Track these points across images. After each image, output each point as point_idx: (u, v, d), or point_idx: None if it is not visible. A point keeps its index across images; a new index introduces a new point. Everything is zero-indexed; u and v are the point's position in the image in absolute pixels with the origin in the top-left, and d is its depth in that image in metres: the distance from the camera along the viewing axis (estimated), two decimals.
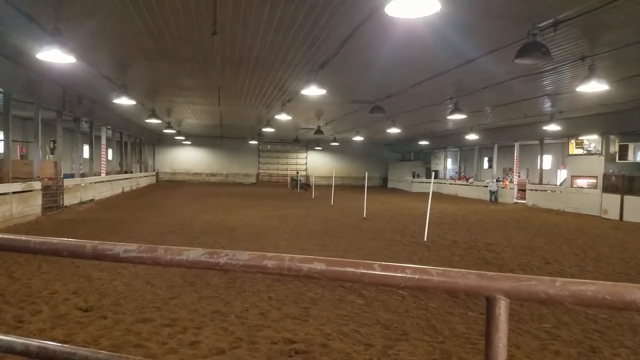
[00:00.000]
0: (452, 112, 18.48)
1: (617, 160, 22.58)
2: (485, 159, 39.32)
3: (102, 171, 26.23)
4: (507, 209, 25.02)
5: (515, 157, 30.48)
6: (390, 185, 49.00)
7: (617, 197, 20.94)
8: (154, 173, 45.16)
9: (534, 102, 18.91)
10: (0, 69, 13.82)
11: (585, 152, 25.27)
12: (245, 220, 16.51)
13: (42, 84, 16.71)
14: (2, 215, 13.37)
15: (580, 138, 25.34)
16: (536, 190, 27.91)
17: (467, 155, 40.09)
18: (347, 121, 27.65)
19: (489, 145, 33.24)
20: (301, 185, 37.74)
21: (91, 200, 22.08)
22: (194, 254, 1.49)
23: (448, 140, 37.34)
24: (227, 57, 12.88)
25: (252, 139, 43.14)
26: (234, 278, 7.76)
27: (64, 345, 1.75)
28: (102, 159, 26.55)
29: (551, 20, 8.90)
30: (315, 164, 49.91)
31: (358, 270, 1.37)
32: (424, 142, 38.41)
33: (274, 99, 20.15)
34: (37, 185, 15.85)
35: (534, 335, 5.66)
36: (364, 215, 18.38)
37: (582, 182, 24.36)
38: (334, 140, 42.01)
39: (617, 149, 22.83)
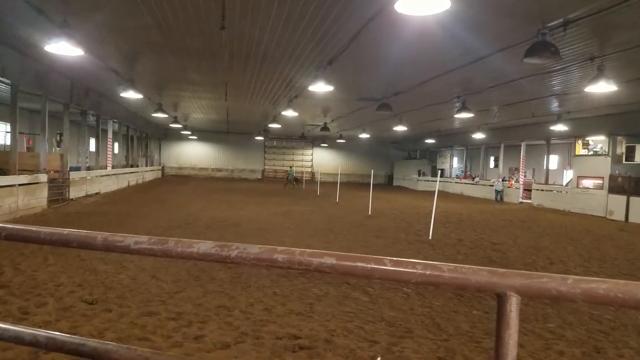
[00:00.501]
0: (459, 111, 18.41)
1: (623, 162, 22.46)
2: (492, 158, 39.19)
3: (108, 164, 26.33)
4: (513, 209, 24.95)
5: (521, 157, 30.36)
6: (395, 183, 48.95)
7: (623, 198, 20.83)
8: (160, 167, 45.29)
9: (542, 101, 18.82)
10: (9, 61, 13.88)
11: (590, 152, 25.14)
12: (250, 216, 16.53)
13: (50, 77, 16.77)
14: (8, 207, 13.44)
15: (586, 139, 25.21)
16: (542, 190, 27.80)
17: (473, 154, 39.97)
18: (354, 118, 27.60)
19: (496, 145, 33.10)
20: (292, 180, 37.97)
21: (97, 193, 22.17)
22: (205, 246, 1.49)
23: (454, 138, 37.23)
24: (234, 52, 12.87)
25: (259, 134, 43.16)
26: (239, 273, 7.78)
27: (73, 336, 1.76)
28: (108, 152, 26.64)
29: (561, 20, 8.85)
30: (321, 160, 49.91)
31: (369, 265, 1.37)
32: (430, 141, 38.31)
33: (281, 95, 20.14)
34: (43, 177, 15.92)
35: (539, 334, 5.65)
36: (369, 213, 18.37)
37: (588, 183, 24.25)
38: (340, 137, 41.96)
39: (624, 150, 22.70)
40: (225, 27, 10.04)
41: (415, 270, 1.34)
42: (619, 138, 22.86)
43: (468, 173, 39.81)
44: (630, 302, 1.17)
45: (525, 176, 31.36)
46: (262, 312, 6.02)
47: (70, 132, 20.57)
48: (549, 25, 8.87)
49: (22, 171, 15.44)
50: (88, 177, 21.41)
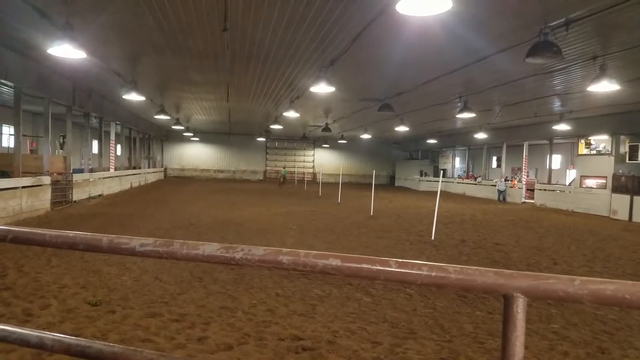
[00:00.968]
0: (461, 111, 18.39)
1: (627, 161, 22.41)
2: (494, 158, 39.14)
3: (110, 166, 26.36)
4: (516, 209, 24.90)
5: (524, 157, 30.30)
6: (397, 183, 48.93)
7: (627, 197, 20.77)
8: (162, 169, 45.36)
9: (544, 101, 18.79)
10: (11, 63, 13.92)
11: (593, 152, 25.09)
12: (252, 216, 16.54)
13: (53, 79, 16.81)
14: (12, 210, 13.47)
15: (589, 138, 25.16)
16: (545, 190, 27.75)
17: (475, 154, 39.94)
18: (356, 119, 27.60)
19: (498, 145, 33.06)
20: (282, 181, 39.04)
21: (100, 195, 22.21)
22: (210, 248, 1.49)
23: (456, 139, 37.20)
24: (237, 53, 12.89)
25: (260, 135, 43.19)
26: (242, 274, 7.78)
27: (79, 338, 1.76)
28: (111, 154, 26.67)
29: (563, 20, 8.83)
30: (323, 161, 49.94)
31: (374, 267, 1.37)
32: (432, 141, 38.29)
33: (283, 96, 20.15)
34: (46, 179, 15.96)
35: (543, 335, 5.64)
36: (371, 214, 18.36)
37: (591, 183, 24.19)
38: (342, 138, 41.96)
39: (627, 149, 22.65)
40: (228, 28, 10.06)
41: (421, 272, 1.33)
42: (622, 137, 22.81)
43: (470, 173, 39.76)
44: (638, 303, 1.17)
45: (527, 176, 31.31)
46: (264, 313, 6.02)
47: (73, 134, 20.62)
48: (551, 24, 8.86)
49: (26, 173, 15.47)
50: (91, 179, 21.45)
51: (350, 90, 18.39)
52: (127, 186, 28.30)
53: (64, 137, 23.40)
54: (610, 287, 1.19)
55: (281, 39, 11.15)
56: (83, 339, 1.74)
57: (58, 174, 17.76)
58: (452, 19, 8.71)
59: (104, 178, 23.59)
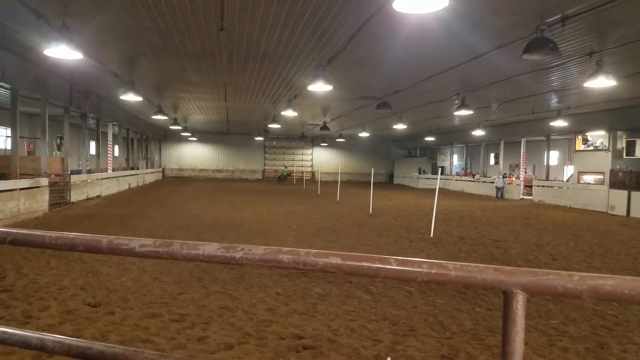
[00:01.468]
0: (458, 108, 18.41)
1: (624, 156, 22.44)
2: (492, 155, 39.19)
3: (108, 167, 26.33)
4: (514, 205, 24.94)
5: (521, 153, 30.34)
6: (396, 181, 48.98)
7: (624, 193, 20.82)
8: (160, 169, 45.31)
9: (541, 97, 18.82)
10: (8, 65, 13.89)
11: (591, 148, 25.14)
12: (251, 216, 16.54)
13: (50, 80, 16.78)
14: (10, 211, 13.45)
15: (586, 134, 25.20)
16: (543, 186, 27.81)
17: (473, 151, 39.98)
18: (354, 117, 27.61)
19: (496, 141, 33.10)
20: (283, 178, 39.21)
21: (98, 196, 22.19)
22: (210, 248, 1.49)
23: (454, 136, 37.23)
24: (234, 53, 12.88)
25: (258, 135, 43.19)
26: (242, 273, 7.78)
27: (80, 339, 1.76)
28: (108, 155, 26.65)
29: (559, 16, 8.84)
30: (321, 160, 49.97)
31: (374, 265, 1.37)
32: (430, 138, 38.31)
33: (281, 95, 20.15)
34: (44, 181, 15.93)
35: (542, 331, 5.65)
36: (370, 212, 18.37)
37: (589, 178, 24.24)
38: (340, 136, 41.96)
39: (624, 144, 22.68)
40: (225, 27, 10.05)
41: (421, 270, 1.34)
42: (619, 133, 22.84)
43: (468, 170, 39.80)
44: (638, 299, 1.17)
45: (525, 172, 31.35)
46: (265, 312, 6.02)
47: (70, 135, 20.57)
48: (547, 21, 8.88)
49: (23, 175, 15.44)
50: (89, 180, 21.42)
51: (348, 89, 18.39)
52: (125, 187, 28.28)
53: (61, 138, 23.38)
54: (609, 282, 1.19)
55: (278, 37, 11.14)
56: (83, 340, 1.74)
57: (56, 176, 17.74)
58: (449, 16, 8.72)
59: (102, 179, 23.56)
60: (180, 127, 34.90)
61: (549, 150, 28.35)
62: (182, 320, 5.62)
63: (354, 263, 1.39)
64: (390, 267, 1.37)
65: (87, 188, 21.03)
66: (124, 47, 12.88)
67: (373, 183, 21.07)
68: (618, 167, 22.10)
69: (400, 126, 27.52)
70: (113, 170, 26.98)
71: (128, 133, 30.82)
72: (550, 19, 8.91)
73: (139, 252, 1.54)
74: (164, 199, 22.75)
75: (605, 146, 23.62)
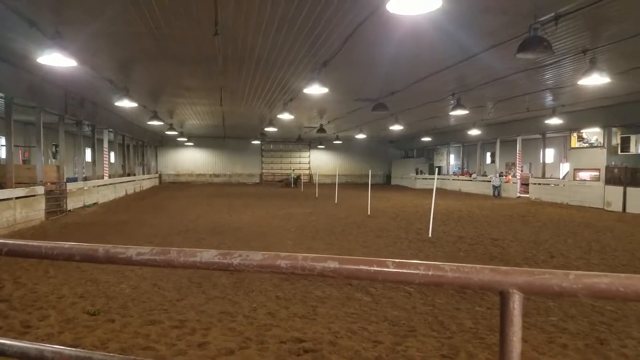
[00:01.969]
0: (454, 108, 18.44)
1: (619, 153, 22.55)
2: (488, 154, 39.28)
3: (105, 174, 26.28)
4: (511, 204, 24.99)
5: (517, 152, 30.43)
6: (393, 182, 49.03)
7: (620, 189, 20.91)
8: (157, 175, 45.22)
9: (536, 96, 18.88)
10: (2, 73, 13.86)
11: (586, 145, 25.23)
12: (250, 220, 16.53)
13: (44, 88, 16.75)
14: (6, 221, 13.40)
15: (582, 131, 25.29)
16: (539, 184, 27.88)
17: (469, 150, 40.07)
18: (350, 119, 27.65)
19: (492, 140, 33.20)
20: (290, 182, 39.28)
21: (95, 203, 22.13)
22: (207, 255, 1.50)
23: (451, 136, 37.31)
24: (229, 57, 12.89)
25: (255, 138, 43.21)
26: (242, 278, 7.78)
27: (79, 349, 1.76)
28: (104, 162, 26.58)
29: (552, 14, 8.88)
30: (319, 162, 49.99)
31: (372, 268, 1.37)
32: (426, 139, 38.38)
33: (277, 99, 20.16)
34: (40, 189, 15.89)
35: (541, 328, 5.66)
36: (369, 213, 18.38)
37: (584, 175, 24.34)
38: (337, 138, 42.01)
39: (619, 141, 22.79)
40: (219, 32, 10.05)
41: (418, 272, 1.35)
42: (614, 129, 22.95)
43: (465, 170, 39.88)
44: (633, 296, 1.18)
45: (522, 171, 31.43)
46: (265, 316, 6.02)
47: (65, 143, 20.55)
48: (540, 20, 8.91)
49: (19, 184, 15.39)
50: (85, 188, 21.37)
51: (344, 91, 18.42)
52: (122, 193, 28.22)
53: (56, 146, 23.35)
54: (604, 280, 1.20)
55: (273, 41, 11.15)
56: (83, 350, 1.74)
57: (52, 184, 17.70)
58: (442, 17, 8.74)
59: (98, 186, 23.50)
60: (176, 133, 34.88)
61: (544, 148, 28.44)
62: (182, 326, 5.61)
63: (352, 267, 1.40)
64: (387, 270, 1.37)
65: (83, 195, 20.98)
66: (118, 53, 12.87)
67: (371, 184, 21.09)
68: (613, 163, 22.19)
69: (396, 127, 27.56)
70: (109, 177, 26.92)
71: (124, 139, 30.77)
72: (544, 18, 8.95)
73: (136, 261, 1.54)
74: (162, 205, 22.72)
75: (600, 143, 23.71)
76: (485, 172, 35.72)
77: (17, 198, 14.16)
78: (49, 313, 6.03)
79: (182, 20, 9.66)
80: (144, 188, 35.79)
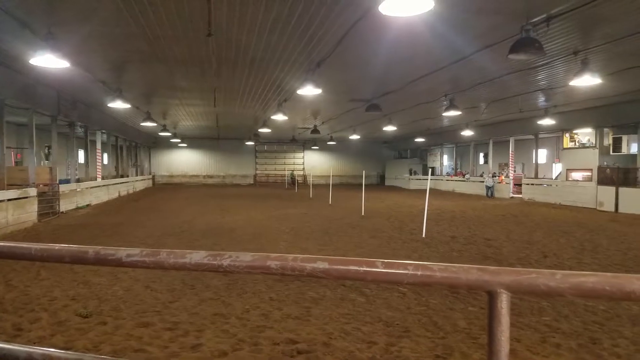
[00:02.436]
0: (447, 109, 18.51)
1: (611, 153, 22.69)
2: (481, 155, 39.42)
3: (98, 176, 26.16)
4: (504, 204, 25.09)
5: (510, 152, 30.57)
6: (387, 183, 49.09)
7: (612, 189, 21.03)
8: (151, 176, 45.06)
9: (528, 97, 18.98)
10: None
11: (578, 145, 25.38)
12: (244, 221, 16.50)
13: (36, 89, 16.65)
14: None
15: (574, 131, 25.43)
16: (532, 184, 28.01)
17: (463, 151, 40.19)
18: (344, 120, 27.67)
19: (485, 141, 33.32)
20: (293, 182, 39.19)
21: (88, 205, 22.03)
22: (197, 256, 1.50)
23: (444, 136, 37.41)
24: (222, 58, 12.87)
25: (249, 139, 43.14)
26: (235, 279, 7.76)
27: (69, 352, 1.75)
28: (97, 163, 26.48)
29: (544, 15, 8.94)
30: (313, 163, 49.98)
31: (361, 269, 1.38)
32: (420, 139, 38.48)
33: (271, 99, 20.15)
34: (32, 191, 15.79)
35: (535, 328, 5.69)
36: (363, 214, 18.39)
37: (577, 175, 24.47)
38: (331, 139, 42.01)
39: (611, 141, 22.93)
40: (212, 33, 10.03)
41: (407, 271, 1.35)
42: (606, 130, 23.10)
43: (458, 170, 40.00)
44: (619, 295, 1.19)
45: (515, 171, 31.57)
46: (258, 318, 6.01)
47: (58, 144, 20.43)
48: (532, 21, 8.97)
49: (11, 186, 15.30)
50: (78, 189, 21.27)
51: (337, 92, 18.44)
52: (115, 195, 28.11)
53: (49, 147, 23.23)
54: (591, 279, 1.21)
55: (266, 42, 11.15)
56: (72, 352, 1.74)
57: (44, 185, 17.60)
58: (435, 18, 8.78)
59: (91, 188, 23.40)
60: (169, 134, 34.77)
61: (537, 148, 28.58)
62: (175, 328, 5.59)
63: (342, 267, 1.40)
64: (377, 270, 1.38)
65: (76, 197, 20.88)
66: (111, 54, 12.82)
67: (365, 185, 21.12)
68: (605, 163, 22.32)
69: (390, 128, 27.63)
70: (102, 178, 26.81)
71: (117, 140, 30.65)
72: (535, 19, 9.01)
73: (126, 262, 1.54)
74: (155, 206, 22.64)
75: (593, 143, 23.85)
76: (470, 171, 35.87)
77: (9, 200, 14.06)
78: (41, 315, 5.99)
79: (175, 21, 9.64)
80: (138, 189, 35.66)
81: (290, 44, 11.33)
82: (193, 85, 17.34)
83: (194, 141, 45.81)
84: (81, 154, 28.15)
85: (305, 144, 48.77)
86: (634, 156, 21.67)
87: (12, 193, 14.46)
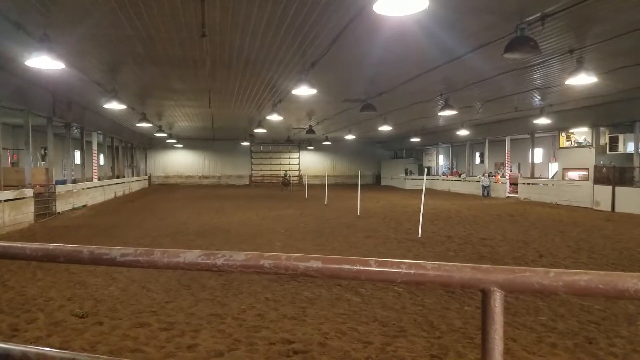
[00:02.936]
0: (443, 109, 18.53)
1: (607, 152, 22.75)
2: (477, 154, 39.47)
3: (94, 176, 26.09)
4: (500, 204, 25.15)
5: (506, 152, 30.62)
6: (383, 182, 49.12)
7: (609, 188, 21.10)
8: (146, 177, 44.97)
9: (524, 96, 19.01)
10: None
11: (575, 144, 25.45)
12: (240, 221, 16.48)
13: (32, 91, 16.59)
14: None
15: (570, 131, 25.50)
16: (528, 183, 28.07)
17: (458, 151, 40.24)
18: (339, 120, 27.66)
19: (480, 141, 33.38)
20: (286, 183, 38.32)
21: (84, 206, 21.97)
22: (191, 255, 1.49)
23: (439, 136, 37.44)
24: (217, 59, 12.85)
25: (244, 140, 43.08)
26: (231, 280, 7.76)
27: (63, 351, 1.75)
28: (93, 164, 26.41)
29: (538, 14, 8.95)
30: (308, 163, 49.96)
31: (354, 267, 1.38)
32: (415, 139, 38.48)
33: (265, 100, 20.13)
34: (29, 192, 15.74)
35: (531, 328, 5.70)
36: (358, 214, 18.40)
37: (573, 175, 24.53)
38: (326, 139, 42.01)
39: (607, 140, 22.99)
40: (206, 34, 10.02)
41: (400, 270, 1.35)
42: (602, 129, 23.16)
43: (454, 170, 40.05)
44: (612, 293, 1.19)
45: (511, 171, 31.63)
46: (254, 318, 6.00)
47: (54, 145, 20.38)
48: (527, 20, 8.99)
49: (7, 187, 15.24)
50: (74, 190, 21.20)
51: (332, 92, 18.43)
52: (111, 196, 28.05)
53: (45, 148, 23.13)
54: (584, 277, 1.21)
55: (260, 43, 11.14)
56: (67, 352, 1.73)
57: (40, 186, 17.54)
58: (429, 18, 8.79)
59: (87, 188, 23.34)
60: (165, 134, 34.70)
61: (533, 147, 28.62)
62: (171, 328, 5.58)
63: (335, 266, 1.40)
64: (370, 268, 1.38)
65: (72, 198, 20.81)
66: (106, 56, 12.78)
67: (360, 185, 21.13)
68: (601, 162, 22.39)
69: (385, 128, 27.64)
70: (98, 179, 26.75)
71: (113, 141, 30.57)
72: (530, 18, 9.02)
73: (119, 262, 1.53)
74: (151, 207, 22.59)
75: (589, 142, 23.92)
76: (466, 171, 35.95)
77: (5, 201, 14.02)
78: (37, 316, 5.98)
79: (169, 22, 9.62)
80: (133, 190, 35.58)
81: (284, 44, 11.32)
82: (188, 86, 17.31)
83: (189, 142, 45.77)
84: (77, 155, 28.07)
85: (300, 144, 48.75)
86: (630, 155, 21.71)
87: (9, 194, 14.41)
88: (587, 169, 23.16)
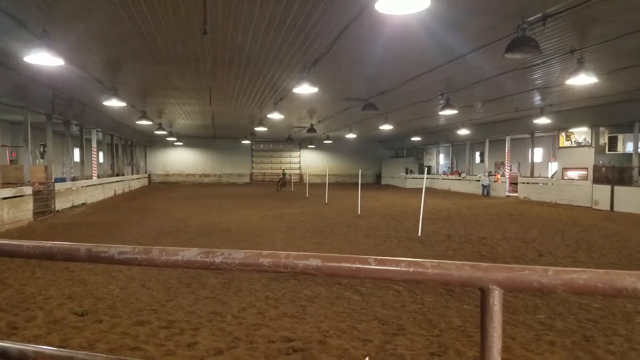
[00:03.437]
0: (443, 108, 18.53)
1: (606, 152, 22.78)
2: (477, 154, 39.48)
3: (93, 174, 26.09)
4: (500, 203, 25.15)
5: (506, 151, 30.63)
6: (383, 182, 49.12)
7: (608, 188, 21.11)
8: (146, 175, 44.96)
9: (524, 96, 19.01)
10: None
11: (574, 144, 25.46)
12: (240, 220, 16.48)
13: (31, 87, 16.57)
14: None
15: (570, 130, 25.51)
16: (528, 183, 28.08)
17: (459, 150, 40.25)
18: (340, 119, 27.66)
19: (481, 140, 33.39)
20: (285, 182, 38.00)
21: (83, 203, 21.96)
22: (189, 254, 1.49)
23: (440, 135, 37.45)
24: (218, 57, 12.84)
25: (245, 138, 43.08)
26: (231, 278, 7.76)
27: (61, 349, 1.75)
28: (93, 162, 26.40)
29: (540, 15, 8.95)
30: (309, 162, 49.97)
31: (354, 265, 1.38)
32: (416, 138, 38.50)
33: (266, 98, 20.12)
34: (28, 190, 15.73)
35: (529, 326, 5.71)
36: (359, 213, 18.40)
37: (573, 174, 24.54)
38: (327, 138, 42.00)
39: (606, 140, 23.01)
40: (208, 32, 10.01)
41: (399, 268, 1.35)
42: (602, 129, 23.18)
43: (454, 169, 40.06)
44: (610, 291, 1.19)
45: (511, 170, 31.64)
46: (254, 316, 6.01)
47: (53, 142, 20.35)
48: (528, 20, 8.99)
49: (6, 184, 15.24)
50: (73, 188, 21.20)
51: (333, 91, 18.43)
52: (111, 194, 28.03)
53: (44, 146, 23.10)
54: (582, 276, 1.21)
55: (262, 41, 11.13)
56: (65, 350, 1.73)
57: (40, 184, 17.53)
58: (431, 17, 8.79)
59: (86, 186, 23.33)
60: (165, 132, 34.70)
61: (533, 147, 28.63)
62: (171, 326, 5.58)
63: (334, 264, 1.40)
64: (369, 267, 1.38)
65: (72, 196, 20.81)
66: (106, 53, 12.78)
67: (361, 184, 21.13)
68: (601, 162, 22.40)
69: (386, 127, 27.65)
70: (98, 177, 26.74)
71: (112, 139, 30.56)
72: (531, 18, 9.02)
73: (117, 260, 1.53)
74: (151, 206, 22.59)
75: (588, 142, 23.93)
76: (466, 170, 35.96)
77: (4, 198, 14.01)
78: (36, 314, 5.97)
79: (171, 20, 9.61)
80: (133, 188, 35.58)
81: (285, 43, 11.31)
82: (188, 84, 17.30)
83: (190, 140, 45.75)
84: (77, 153, 28.05)
85: (301, 143, 48.77)
86: (629, 155, 21.73)
87: (8, 191, 14.40)
88: (586, 169, 23.18)
